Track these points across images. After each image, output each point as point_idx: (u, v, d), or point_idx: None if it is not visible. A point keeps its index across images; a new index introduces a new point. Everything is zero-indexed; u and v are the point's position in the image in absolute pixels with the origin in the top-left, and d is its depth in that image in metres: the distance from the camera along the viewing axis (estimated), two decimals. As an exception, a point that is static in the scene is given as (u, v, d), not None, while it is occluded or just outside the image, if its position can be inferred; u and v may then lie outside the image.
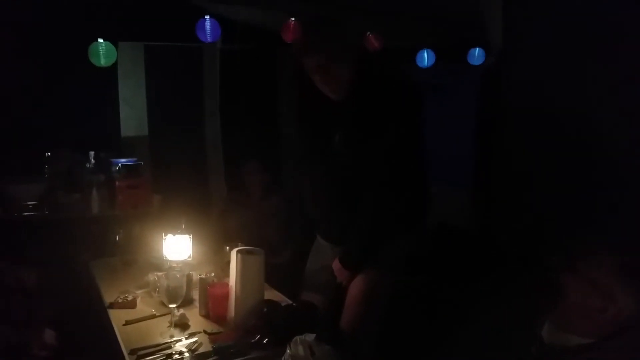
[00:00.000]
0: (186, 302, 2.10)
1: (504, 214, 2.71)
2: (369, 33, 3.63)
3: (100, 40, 3.29)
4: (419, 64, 4.28)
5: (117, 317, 2.04)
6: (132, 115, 4.41)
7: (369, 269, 2.11)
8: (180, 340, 1.85)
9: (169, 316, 1.96)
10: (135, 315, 2.04)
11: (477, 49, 3.96)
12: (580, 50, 2.01)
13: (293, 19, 2.52)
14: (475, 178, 3.92)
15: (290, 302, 2.14)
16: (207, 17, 3.24)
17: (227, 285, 2.03)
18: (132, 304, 2.15)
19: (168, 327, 1.94)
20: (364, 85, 2.01)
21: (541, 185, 2.31)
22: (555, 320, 1.47)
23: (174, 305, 1.91)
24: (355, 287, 2.13)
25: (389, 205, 1.99)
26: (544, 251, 1.65)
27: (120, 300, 2.16)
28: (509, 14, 2.47)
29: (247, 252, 1.99)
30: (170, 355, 1.74)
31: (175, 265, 2.23)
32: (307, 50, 2.01)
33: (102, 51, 3.30)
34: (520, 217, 2.49)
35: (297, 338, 1.64)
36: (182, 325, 1.96)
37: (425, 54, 4.22)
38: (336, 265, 2.15)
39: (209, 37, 3.29)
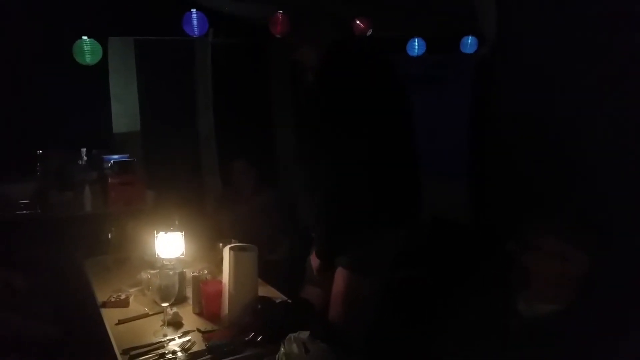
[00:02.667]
0: (179, 300, 2.08)
1: (499, 206, 2.69)
2: (356, 18, 3.59)
3: (85, 37, 3.25)
4: (410, 52, 4.25)
5: (109, 316, 2.03)
6: (124, 111, 4.37)
7: (350, 264, 2.08)
8: (174, 339, 1.83)
9: (162, 315, 1.95)
10: (127, 314, 2.02)
11: (469, 37, 3.93)
12: (578, 40, 1.98)
13: (281, 11, 2.48)
14: (471, 170, 3.90)
15: (285, 298, 2.13)
16: (194, 10, 3.19)
17: (221, 282, 2.02)
18: (124, 303, 2.13)
19: (161, 325, 1.92)
20: (337, 62, 2.01)
21: (537, 176, 2.29)
22: (528, 294, 1.66)
23: (167, 304, 1.89)
24: (337, 286, 2.12)
25: (347, 191, 1.94)
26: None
27: (112, 299, 2.15)
28: (503, 1, 2.45)
29: (240, 248, 1.97)
30: (164, 354, 1.72)
31: (168, 263, 2.20)
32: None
33: (87, 49, 3.26)
34: (515, 208, 2.47)
35: (291, 335, 1.63)
36: (175, 323, 1.94)
37: (416, 43, 4.20)
38: (313, 255, 2.14)
39: (196, 31, 3.24)
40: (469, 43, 3.99)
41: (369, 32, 3.72)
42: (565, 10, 2.10)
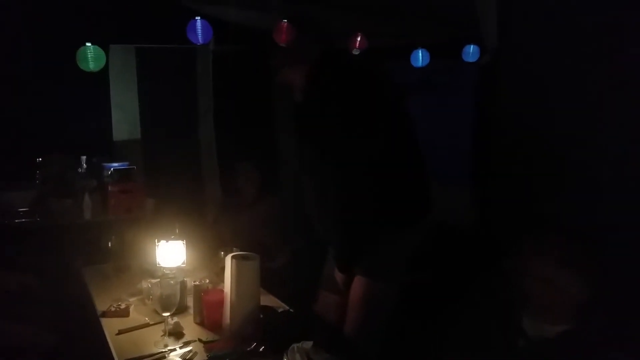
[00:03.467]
0: (180, 310, 2.06)
1: (503, 212, 2.69)
2: (353, 35, 3.60)
3: (89, 44, 3.24)
4: (414, 63, 4.24)
5: (109, 326, 2.00)
6: (124, 118, 4.36)
7: (367, 271, 2.07)
8: (175, 349, 1.81)
9: (162, 325, 1.92)
10: (128, 324, 2.00)
11: (471, 46, 3.92)
12: (577, 47, 1.99)
13: (285, 20, 2.48)
14: (474, 176, 3.90)
15: (287, 307, 2.11)
16: (198, 18, 3.19)
17: (222, 291, 1.99)
18: (125, 313, 2.10)
19: (162, 336, 1.89)
20: (327, 75, 2.00)
21: (539, 183, 2.29)
22: (532, 313, 1.63)
23: (168, 314, 1.87)
24: (355, 291, 2.10)
25: (358, 202, 1.93)
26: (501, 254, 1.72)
27: (113, 309, 2.12)
28: (504, 10, 2.45)
29: (242, 257, 1.95)
30: (165, 365, 1.70)
31: (168, 272, 2.18)
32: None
33: (91, 55, 3.24)
34: (518, 215, 2.46)
35: (295, 346, 1.61)
36: (176, 333, 1.92)
37: (420, 54, 4.19)
38: (336, 270, 2.12)
39: (200, 39, 3.24)
40: (471, 52, 3.98)
41: (360, 50, 3.71)
42: (564, 18, 2.10)
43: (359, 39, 3.60)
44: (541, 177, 2.24)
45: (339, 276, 2.14)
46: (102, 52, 3.30)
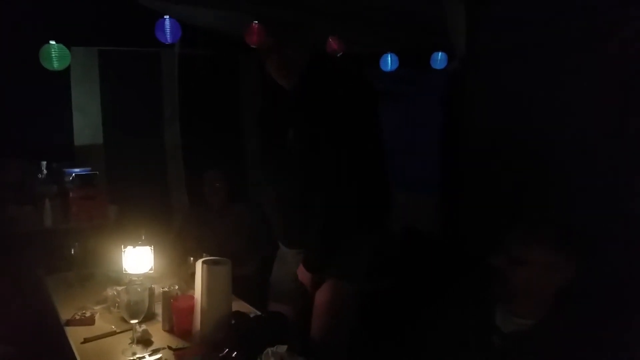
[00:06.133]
0: (148, 317, 2.00)
1: (469, 219, 2.73)
2: (330, 37, 3.62)
3: (53, 42, 3.14)
4: (383, 68, 4.29)
5: (74, 334, 1.93)
6: (86, 123, 4.26)
7: (334, 276, 2.07)
8: (144, 357, 1.76)
9: (130, 332, 1.87)
10: (94, 332, 1.94)
11: (439, 53, 3.99)
12: (545, 52, 2.04)
13: (256, 22, 2.46)
14: (442, 184, 3.95)
15: (259, 313, 2.08)
16: (167, 17, 3.14)
17: (193, 298, 1.95)
18: (90, 321, 2.04)
19: (130, 344, 1.84)
20: (314, 72, 2.00)
21: (507, 189, 2.33)
22: (507, 308, 1.64)
23: (136, 321, 1.82)
24: (322, 295, 2.09)
25: (342, 202, 1.95)
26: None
27: (77, 317, 2.05)
28: (472, 17, 2.50)
29: (213, 262, 1.92)
30: (133, 374, 1.65)
31: (135, 278, 2.13)
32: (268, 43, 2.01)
33: (55, 54, 3.15)
34: (486, 220, 2.51)
35: (269, 350, 1.59)
36: (144, 341, 1.87)
37: (389, 58, 4.24)
38: (300, 270, 2.11)
39: (169, 38, 3.18)
40: (439, 59, 4.05)
41: (340, 53, 3.73)
42: (532, 24, 2.15)
43: (333, 41, 3.60)
44: (509, 181, 2.29)
45: (305, 277, 2.12)
46: (66, 51, 3.22)
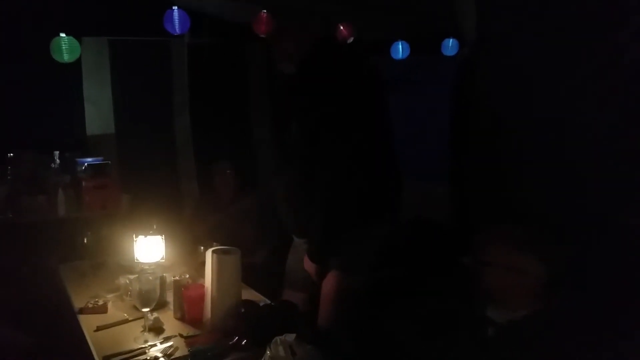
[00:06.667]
0: (160, 305, 2.04)
1: (479, 209, 2.71)
2: (339, 24, 3.59)
3: (63, 35, 3.16)
4: (394, 56, 4.24)
5: (87, 322, 1.97)
6: (98, 113, 4.27)
7: (341, 265, 2.08)
8: (155, 345, 1.79)
9: (142, 320, 1.90)
10: (106, 321, 1.97)
11: (450, 40, 3.94)
12: (557, 38, 2.00)
13: (265, 10, 2.45)
14: (452, 172, 3.93)
15: (269, 301, 2.10)
16: (175, 7, 3.13)
17: (203, 286, 1.98)
18: (103, 309, 2.08)
19: (142, 331, 1.87)
20: (318, 59, 2.00)
21: (517, 176, 2.31)
22: (497, 301, 1.65)
23: (148, 309, 1.85)
24: (328, 285, 2.11)
25: (344, 193, 1.95)
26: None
27: (90, 305, 2.09)
28: (482, 3, 2.46)
29: (223, 251, 1.94)
30: (145, 360, 1.68)
31: (147, 267, 2.15)
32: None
33: (65, 46, 3.16)
34: (496, 209, 2.49)
35: (277, 338, 1.60)
36: (156, 329, 1.90)
37: (400, 46, 4.19)
38: (305, 260, 2.12)
39: (177, 29, 3.18)
40: (450, 45, 4.01)
41: (351, 39, 3.70)
42: (544, 10, 2.12)
43: (343, 28, 3.57)
44: (520, 171, 2.26)
45: (311, 267, 2.13)
46: (76, 43, 3.24)
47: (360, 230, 2.06)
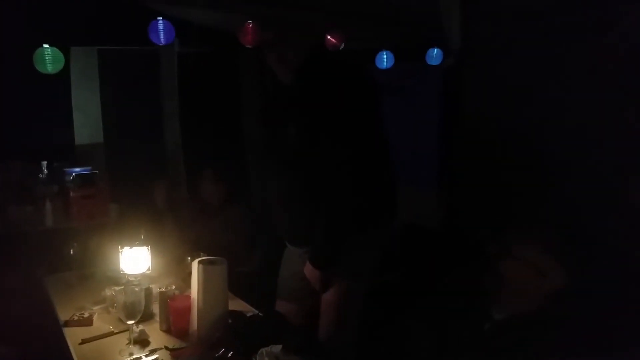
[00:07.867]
0: (146, 317, 2.01)
1: (468, 213, 2.72)
2: (327, 34, 3.61)
3: (46, 45, 3.15)
4: (379, 65, 4.27)
5: (72, 335, 1.94)
6: (86, 122, 4.26)
7: (344, 271, 2.06)
8: (141, 358, 1.77)
9: (127, 333, 1.87)
10: (92, 333, 1.95)
11: (435, 49, 3.96)
12: (540, 48, 2.02)
13: (251, 21, 2.45)
14: (440, 178, 3.94)
15: (256, 311, 2.08)
16: (160, 18, 3.14)
17: (190, 297, 1.96)
18: (88, 321, 2.05)
19: (127, 344, 1.85)
20: (314, 66, 2.00)
21: (504, 181, 2.33)
22: (502, 300, 1.68)
23: (133, 321, 1.83)
24: (329, 294, 2.09)
25: (349, 198, 1.95)
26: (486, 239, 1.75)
27: (75, 318, 2.06)
28: (467, 13, 2.48)
29: (209, 262, 1.92)
30: (130, 374, 1.66)
31: (133, 278, 2.13)
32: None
33: (48, 57, 3.15)
34: (483, 214, 2.50)
35: (263, 350, 1.60)
36: (142, 342, 1.88)
37: (385, 55, 4.22)
38: (307, 267, 2.09)
39: (162, 40, 3.18)
40: (434, 55, 4.03)
41: (341, 46, 3.72)
42: (527, 20, 2.14)
43: (331, 37, 3.59)
44: (505, 176, 2.28)
45: (313, 273, 2.10)
46: (60, 54, 3.22)
47: (364, 235, 2.04)
